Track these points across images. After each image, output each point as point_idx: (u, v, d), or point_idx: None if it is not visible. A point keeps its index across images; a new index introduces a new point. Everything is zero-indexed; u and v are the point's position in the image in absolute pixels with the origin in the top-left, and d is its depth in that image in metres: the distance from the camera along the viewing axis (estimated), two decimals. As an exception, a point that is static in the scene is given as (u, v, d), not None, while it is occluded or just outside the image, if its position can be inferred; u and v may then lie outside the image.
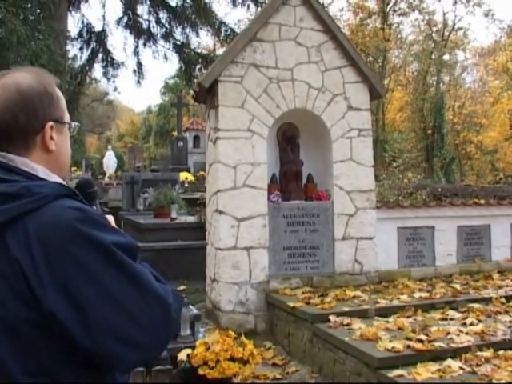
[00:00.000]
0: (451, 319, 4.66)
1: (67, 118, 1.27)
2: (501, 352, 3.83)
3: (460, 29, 28.37)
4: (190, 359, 3.73)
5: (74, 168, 20.79)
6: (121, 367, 1.14)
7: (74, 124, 1.30)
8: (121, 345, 1.06)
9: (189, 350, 3.82)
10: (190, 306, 4.66)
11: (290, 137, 6.33)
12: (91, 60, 13.83)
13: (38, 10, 10.59)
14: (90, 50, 13.76)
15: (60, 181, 1.18)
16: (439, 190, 12.63)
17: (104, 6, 15.10)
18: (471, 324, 4.44)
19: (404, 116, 30.11)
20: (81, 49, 13.72)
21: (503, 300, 5.24)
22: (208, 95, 6.28)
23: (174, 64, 38.26)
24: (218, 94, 5.88)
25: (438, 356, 3.77)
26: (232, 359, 3.69)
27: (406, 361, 3.67)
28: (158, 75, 63.82)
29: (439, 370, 3.52)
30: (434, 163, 25.59)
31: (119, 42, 62.26)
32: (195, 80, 12.39)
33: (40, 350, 1.04)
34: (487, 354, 3.78)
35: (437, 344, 3.89)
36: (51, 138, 1.19)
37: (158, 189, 9.82)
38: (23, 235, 1.04)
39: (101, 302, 1.04)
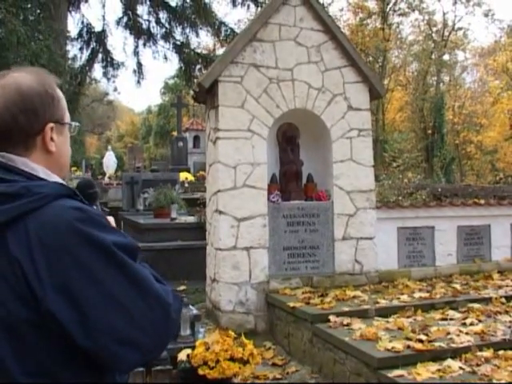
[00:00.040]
0: (451, 319, 4.65)
1: (68, 118, 1.26)
2: (501, 352, 3.83)
3: (460, 29, 28.41)
4: (190, 359, 3.73)
5: (73, 168, 20.80)
6: (121, 368, 1.14)
7: (74, 124, 1.30)
8: (121, 345, 1.06)
9: (189, 350, 3.82)
10: (190, 306, 4.66)
11: (290, 137, 6.33)
12: (91, 60, 13.85)
13: (38, 11, 10.60)
14: (89, 51, 13.78)
15: (60, 181, 1.18)
16: (439, 190, 12.63)
17: (104, 6, 15.12)
18: (471, 324, 4.44)
19: (404, 116, 30.12)
20: (81, 49, 13.75)
21: (503, 300, 5.24)
22: (208, 95, 6.28)
23: (173, 64, 38.25)
24: (218, 94, 5.88)
25: (438, 356, 3.77)
26: (232, 359, 3.69)
27: (406, 361, 3.67)
28: (157, 75, 63.86)
29: (439, 370, 3.52)
30: (434, 163, 25.59)
31: (119, 42, 62.34)
32: (195, 80, 12.39)
33: (40, 350, 1.04)
34: (487, 353, 3.78)
35: (437, 344, 3.89)
36: (51, 139, 1.19)
37: (158, 189, 9.83)
38: (24, 235, 1.04)
39: (101, 303, 1.04)
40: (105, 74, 14.21)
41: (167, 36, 13.93)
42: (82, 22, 13.63)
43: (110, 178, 17.92)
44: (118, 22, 13.80)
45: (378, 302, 5.12)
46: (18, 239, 1.04)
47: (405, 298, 5.30)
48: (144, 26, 13.92)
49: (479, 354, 3.78)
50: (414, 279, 6.18)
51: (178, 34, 13.96)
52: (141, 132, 41.91)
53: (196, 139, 22.85)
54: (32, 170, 1.14)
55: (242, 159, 5.86)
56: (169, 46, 14.07)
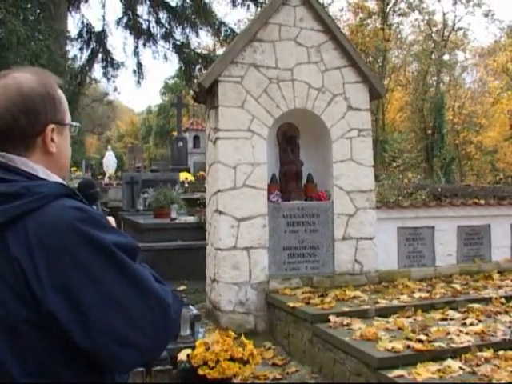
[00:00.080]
0: (451, 319, 4.65)
1: (68, 119, 1.26)
2: (501, 352, 3.83)
3: (460, 29, 28.44)
4: (190, 359, 3.73)
5: (73, 168, 20.81)
6: (120, 368, 1.14)
7: (75, 125, 1.29)
8: (121, 346, 1.06)
9: (189, 350, 3.81)
10: (190, 306, 4.66)
11: (289, 137, 6.33)
12: (91, 60, 13.85)
13: (38, 11, 10.59)
14: (89, 51, 13.78)
15: (60, 180, 1.18)
16: (439, 190, 12.64)
17: (104, 6, 15.11)
18: (471, 324, 4.44)
19: (404, 116, 30.13)
20: (81, 49, 13.75)
21: (503, 300, 5.24)
22: (208, 95, 6.28)
23: (173, 64, 38.24)
24: (217, 94, 5.88)
25: (437, 356, 3.77)
26: (232, 359, 3.69)
27: (405, 361, 3.67)
28: (157, 75, 63.91)
29: (439, 370, 3.52)
30: (434, 163, 25.61)
31: (119, 42, 62.40)
32: (195, 80, 12.40)
33: (40, 350, 1.04)
34: (487, 354, 3.78)
35: (437, 344, 3.89)
36: (52, 141, 1.18)
37: (158, 189, 9.82)
38: (23, 235, 1.04)
39: (101, 303, 1.04)
40: (105, 74, 14.22)
41: (167, 36, 13.93)
42: (82, 22, 13.65)
43: (109, 178, 17.92)
44: (118, 22, 13.81)
45: (377, 302, 5.12)
46: (18, 239, 1.04)
47: (405, 298, 5.30)
48: (144, 26, 13.93)
49: (479, 354, 3.78)
50: (413, 279, 6.18)
51: (178, 33, 13.99)
52: (141, 132, 41.93)
53: (196, 139, 22.86)
54: (32, 169, 1.14)
55: (242, 159, 5.86)
56: (169, 45, 14.09)
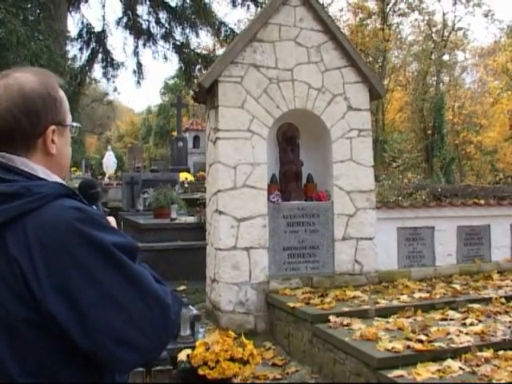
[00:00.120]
0: (451, 319, 4.65)
1: (69, 119, 1.25)
2: (501, 352, 3.83)
3: (460, 29, 28.43)
4: (190, 359, 3.73)
5: (73, 168, 20.81)
6: (120, 368, 1.14)
7: (75, 125, 1.29)
8: (120, 346, 1.06)
9: (189, 351, 3.82)
10: (190, 307, 4.66)
11: (289, 137, 6.33)
12: (91, 60, 13.86)
13: (38, 11, 10.60)
14: (89, 51, 13.79)
15: (60, 181, 1.18)
16: (439, 190, 12.64)
17: (104, 6, 15.10)
18: (471, 324, 4.44)
19: (404, 116, 30.13)
20: (81, 49, 13.76)
21: (503, 300, 5.24)
22: (208, 95, 6.28)
23: (173, 64, 38.26)
24: (217, 94, 5.88)
25: (437, 356, 3.77)
26: (232, 359, 3.70)
27: (405, 361, 3.67)
28: (157, 75, 63.90)
29: (439, 371, 3.52)
30: (434, 163, 25.61)
31: (119, 42, 62.37)
32: (195, 80, 12.40)
33: (39, 350, 1.04)
34: (487, 354, 3.78)
35: (437, 344, 3.89)
36: (52, 142, 1.18)
37: (158, 189, 9.82)
38: (23, 235, 1.04)
39: (100, 303, 1.04)
40: (105, 74, 14.23)
41: (167, 36, 13.94)
42: (82, 22, 13.66)
43: (109, 178, 17.92)
44: (118, 22, 13.82)
45: (377, 303, 5.12)
46: (17, 239, 1.04)
47: (405, 298, 5.30)
48: (144, 26, 13.94)
49: (479, 354, 3.78)
50: (413, 279, 6.18)
51: (177, 34, 14.00)
52: (141, 132, 41.94)
53: (196, 139, 22.86)
54: (32, 169, 1.14)
55: (241, 159, 5.86)
56: (169, 46, 14.09)
